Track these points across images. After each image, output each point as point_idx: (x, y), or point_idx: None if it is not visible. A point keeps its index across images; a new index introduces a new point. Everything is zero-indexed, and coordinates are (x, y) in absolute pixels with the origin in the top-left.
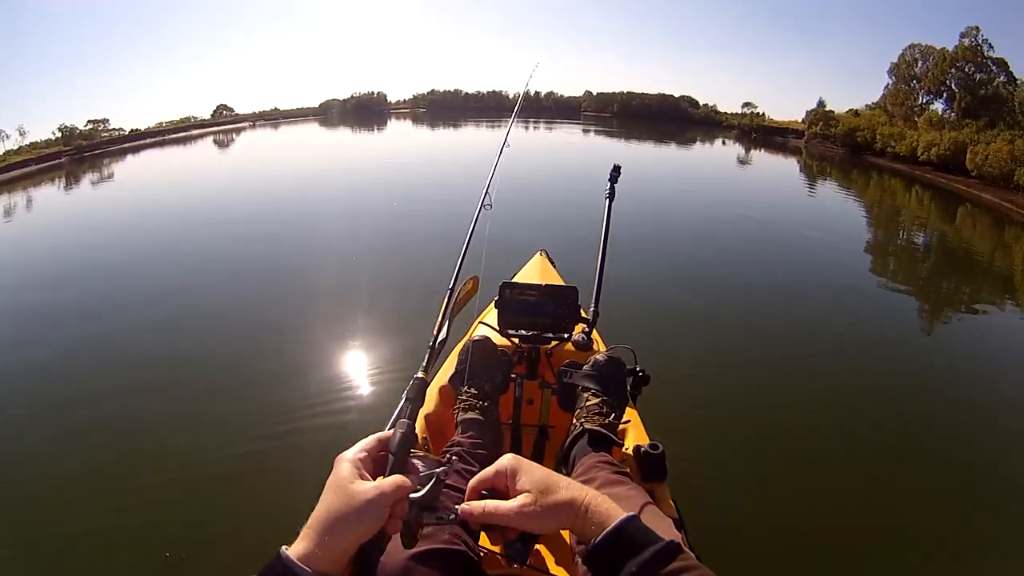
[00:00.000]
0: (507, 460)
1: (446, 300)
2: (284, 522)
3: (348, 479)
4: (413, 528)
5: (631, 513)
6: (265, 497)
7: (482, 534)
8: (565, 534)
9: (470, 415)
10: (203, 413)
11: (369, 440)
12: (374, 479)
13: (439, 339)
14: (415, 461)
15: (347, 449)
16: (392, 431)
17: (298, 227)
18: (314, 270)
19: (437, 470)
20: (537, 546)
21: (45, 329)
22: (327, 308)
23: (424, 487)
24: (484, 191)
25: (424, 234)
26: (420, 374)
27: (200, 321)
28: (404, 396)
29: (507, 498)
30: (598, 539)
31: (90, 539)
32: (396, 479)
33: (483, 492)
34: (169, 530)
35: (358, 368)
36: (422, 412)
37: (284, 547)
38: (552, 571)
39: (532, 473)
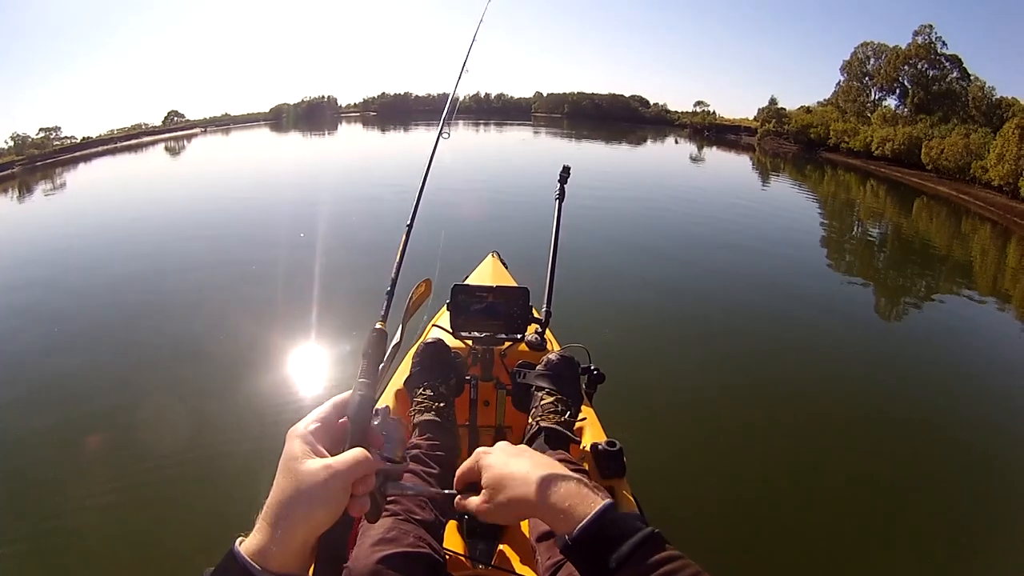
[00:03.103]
0: (475, 456)
1: (404, 237)
2: (245, 510)
3: (298, 458)
4: (378, 500)
5: (607, 502)
6: (226, 485)
7: (446, 536)
8: (527, 530)
9: (426, 417)
10: (162, 407)
11: (324, 408)
12: (332, 453)
13: (395, 288)
14: (377, 425)
15: (300, 421)
16: (349, 393)
17: (251, 230)
18: (268, 269)
19: (403, 438)
20: (501, 546)
21: None
22: (280, 306)
23: (388, 454)
24: (441, 120)
25: (378, 234)
26: (379, 324)
27: (156, 319)
28: (361, 353)
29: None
30: (573, 534)
31: (64, 532)
32: (354, 454)
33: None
34: (131, 522)
35: (315, 361)
36: None
37: (239, 540)
38: (517, 570)
39: (489, 470)
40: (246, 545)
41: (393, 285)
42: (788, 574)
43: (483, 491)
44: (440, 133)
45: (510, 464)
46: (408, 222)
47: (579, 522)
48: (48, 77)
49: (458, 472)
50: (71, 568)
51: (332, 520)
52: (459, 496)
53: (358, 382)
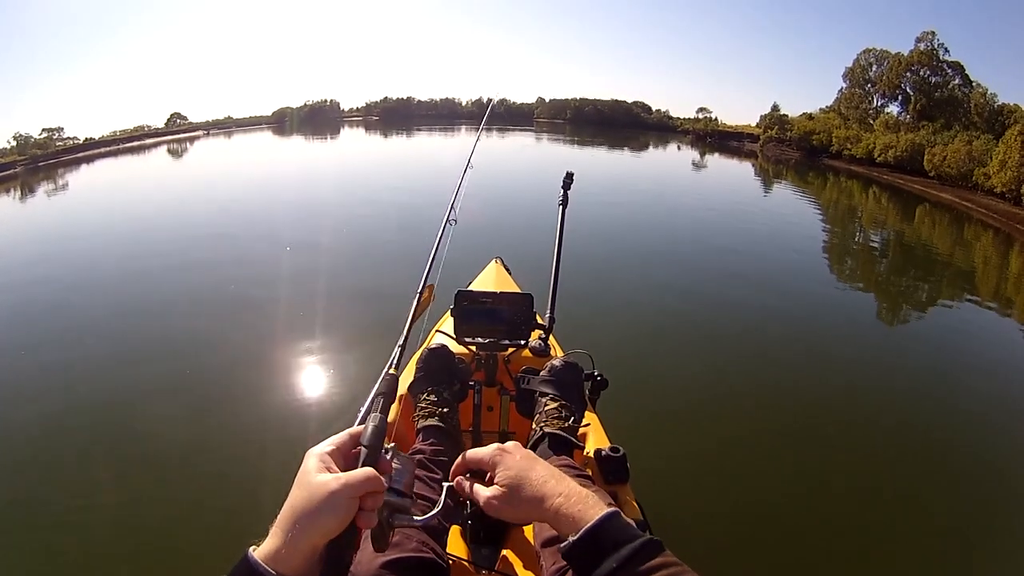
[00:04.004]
0: (494, 450)
1: (416, 301)
2: (261, 520)
3: (312, 472)
4: (385, 530)
5: (612, 510)
6: (243, 494)
7: (449, 541)
8: (530, 536)
9: (430, 422)
10: (168, 413)
11: (340, 435)
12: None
13: (407, 338)
14: (388, 457)
15: (318, 444)
16: (363, 426)
17: (257, 234)
18: (277, 277)
19: (412, 474)
20: (504, 551)
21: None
22: (292, 315)
23: (397, 486)
24: (449, 206)
25: (382, 244)
26: (391, 371)
27: (168, 325)
28: (374, 392)
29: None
30: (575, 537)
31: (69, 536)
32: (365, 471)
33: (470, 472)
34: (145, 529)
35: (329, 370)
36: None
37: (252, 547)
38: (520, 575)
39: (509, 468)
40: (260, 551)
41: (405, 339)
42: None
43: (497, 485)
44: (447, 218)
45: (530, 467)
46: (419, 289)
47: (583, 527)
48: (48, 77)
49: (469, 455)
50: (79, 572)
51: (340, 527)
52: (463, 478)
53: (372, 415)
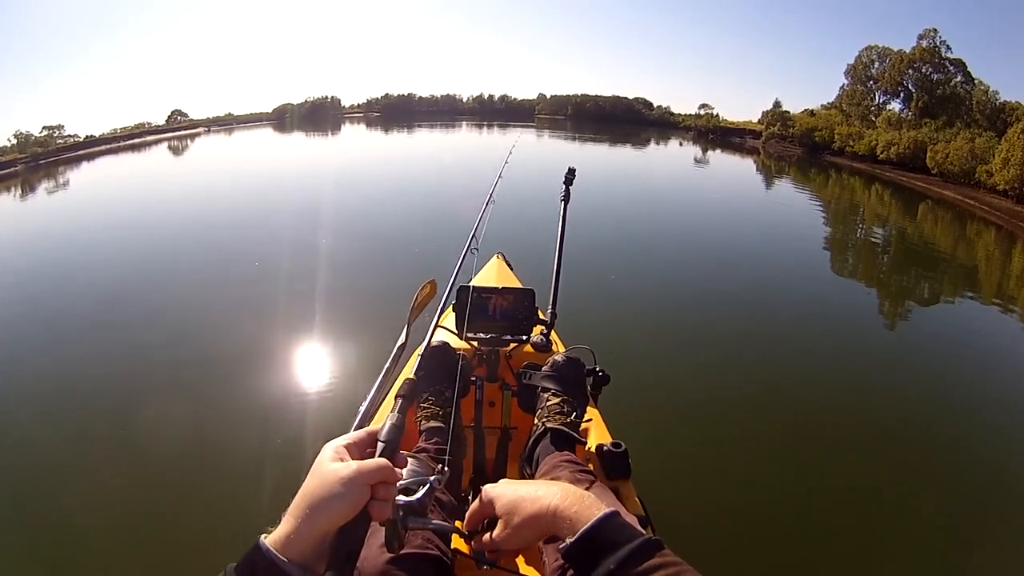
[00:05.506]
0: (482, 493)
1: (441, 304)
2: (271, 512)
3: (327, 461)
4: (399, 531)
5: (609, 510)
6: (256, 485)
7: (454, 537)
8: None
9: (433, 423)
10: (169, 407)
11: (359, 432)
12: None
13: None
14: (406, 457)
15: (336, 438)
16: (382, 424)
17: (262, 230)
18: (274, 275)
19: (431, 477)
20: None
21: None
22: (292, 313)
23: (414, 486)
24: (471, 235)
25: (381, 241)
26: (411, 375)
27: (168, 323)
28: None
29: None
30: (572, 540)
31: (73, 532)
32: (378, 460)
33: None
34: (149, 525)
35: (329, 368)
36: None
37: (264, 534)
38: (522, 571)
39: (500, 499)
40: (271, 538)
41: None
42: (792, 574)
43: (499, 520)
44: (468, 247)
45: (519, 489)
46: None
47: (580, 529)
48: (49, 76)
49: (468, 513)
50: (82, 568)
51: (350, 514)
52: (473, 540)
53: (391, 414)
